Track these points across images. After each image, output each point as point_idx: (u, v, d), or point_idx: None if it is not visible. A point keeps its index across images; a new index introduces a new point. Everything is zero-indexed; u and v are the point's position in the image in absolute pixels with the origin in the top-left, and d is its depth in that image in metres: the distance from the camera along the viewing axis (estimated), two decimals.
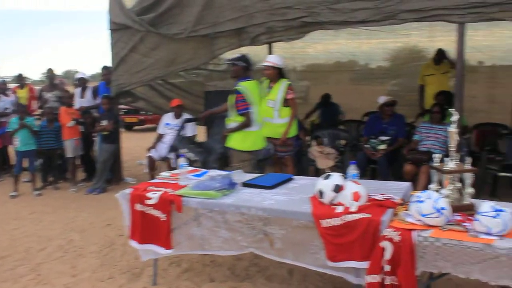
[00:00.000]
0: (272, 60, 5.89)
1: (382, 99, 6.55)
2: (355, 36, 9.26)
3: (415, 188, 4.89)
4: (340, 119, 8.74)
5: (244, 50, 8.76)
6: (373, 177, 6.55)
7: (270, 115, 5.86)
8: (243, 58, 5.49)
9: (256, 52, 8.90)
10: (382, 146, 6.28)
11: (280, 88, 5.83)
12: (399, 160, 6.32)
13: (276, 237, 3.28)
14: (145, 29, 6.64)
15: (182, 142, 6.87)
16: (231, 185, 3.71)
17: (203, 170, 4.45)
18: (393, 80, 10.89)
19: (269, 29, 5.74)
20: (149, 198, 3.73)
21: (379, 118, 6.64)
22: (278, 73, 5.86)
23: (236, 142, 5.49)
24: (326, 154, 6.20)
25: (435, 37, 9.35)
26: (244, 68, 5.47)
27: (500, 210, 2.69)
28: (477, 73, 9.35)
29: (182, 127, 7.01)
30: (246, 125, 5.45)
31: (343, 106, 9.39)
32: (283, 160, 6.07)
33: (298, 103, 9.39)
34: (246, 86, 5.42)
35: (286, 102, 5.84)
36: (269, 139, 5.89)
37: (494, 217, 2.68)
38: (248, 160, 5.46)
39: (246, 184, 3.83)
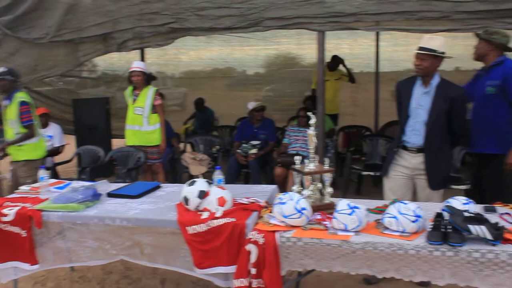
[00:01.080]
0: (142, 66, 5.87)
1: (251, 105, 6.69)
2: (227, 43, 9.41)
3: (285, 190, 5.05)
4: (214, 125, 8.79)
5: (115, 56, 8.55)
6: (246, 181, 6.66)
7: (139, 123, 5.82)
8: (11, 72, 5.30)
9: (128, 59, 8.71)
10: (253, 151, 6.41)
11: (148, 95, 5.80)
12: (271, 163, 6.49)
13: (145, 243, 3.20)
14: (2, 33, 6.16)
15: None
16: (95, 196, 3.55)
17: (66, 182, 4.21)
18: (267, 86, 11.22)
19: (136, 34, 5.61)
20: (5, 215, 3.45)
21: (250, 123, 6.77)
22: (146, 80, 5.84)
23: (28, 153, 5.28)
24: (199, 160, 6.18)
25: (304, 44, 9.77)
26: (12, 82, 5.29)
27: (355, 207, 2.85)
28: (345, 79, 9.92)
29: None
30: (30, 136, 5.28)
31: (220, 112, 9.47)
32: (153, 168, 5.99)
33: (175, 110, 9.36)
34: (25, 98, 5.27)
35: (154, 109, 5.83)
36: (140, 147, 5.80)
37: (350, 214, 2.83)
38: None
39: (111, 195, 3.69)
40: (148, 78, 5.88)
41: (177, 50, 9.23)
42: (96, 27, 5.75)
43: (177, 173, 6.70)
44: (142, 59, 8.27)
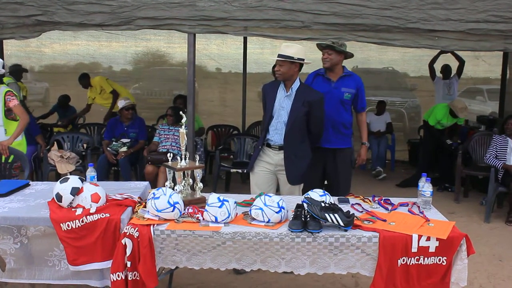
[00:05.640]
0: None
1: (122, 103, 6.66)
2: (95, 38, 9.21)
3: (156, 187, 5.15)
4: (79, 123, 8.53)
5: None
6: (117, 179, 6.63)
7: None
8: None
9: None
10: (124, 149, 6.40)
11: None
12: (141, 161, 6.54)
13: (9, 255, 3.09)
14: None
15: None
16: None
17: None
18: (135, 83, 11.13)
19: None
20: None
21: (120, 122, 6.75)
22: None
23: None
24: (66, 158, 6.02)
25: (174, 43, 9.89)
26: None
27: (225, 200, 3.07)
28: (214, 79, 10.17)
29: None
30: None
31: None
32: None
33: (37, 106, 8.91)
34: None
35: (11, 114, 4.89)
36: None
37: (219, 207, 3.05)
38: None
39: None
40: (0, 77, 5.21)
41: (40, 42, 8.82)
42: None
43: (42, 172, 6.46)
44: (1, 50, 7.77)
